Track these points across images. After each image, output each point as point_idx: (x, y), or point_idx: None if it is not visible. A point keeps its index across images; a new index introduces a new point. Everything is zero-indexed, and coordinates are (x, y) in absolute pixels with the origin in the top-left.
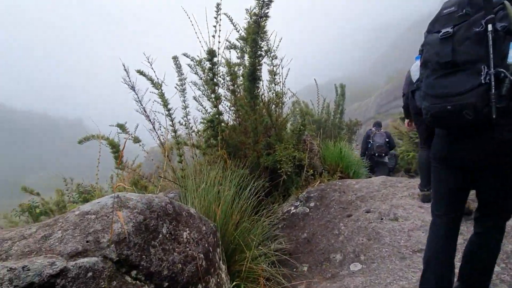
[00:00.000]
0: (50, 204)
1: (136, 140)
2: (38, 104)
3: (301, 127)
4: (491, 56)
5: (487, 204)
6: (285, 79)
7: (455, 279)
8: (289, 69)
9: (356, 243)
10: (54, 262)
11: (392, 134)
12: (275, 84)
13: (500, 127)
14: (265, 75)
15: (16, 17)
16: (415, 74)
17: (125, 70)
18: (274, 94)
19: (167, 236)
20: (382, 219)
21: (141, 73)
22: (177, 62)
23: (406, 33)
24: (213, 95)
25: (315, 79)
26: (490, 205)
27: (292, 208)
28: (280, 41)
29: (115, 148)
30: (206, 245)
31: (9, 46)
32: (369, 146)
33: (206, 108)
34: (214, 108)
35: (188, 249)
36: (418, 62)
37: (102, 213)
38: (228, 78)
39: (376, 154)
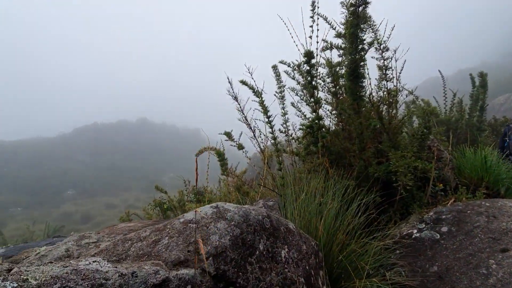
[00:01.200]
0: (174, 202)
1: (240, 147)
2: (169, 118)
3: (424, 130)
4: None
5: None
6: (399, 73)
7: None
8: (405, 61)
9: None
10: (158, 271)
11: None
12: (386, 81)
13: None
14: (374, 71)
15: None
16: None
17: (229, 82)
18: (385, 93)
19: (264, 253)
20: None
21: (243, 83)
22: (276, 70)
23: None
24: (312, 99)
25: (439, 70)
26: None
27: (415, 231)
28: (392, 30)
29: (221, 157)
30: (307, 267)
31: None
32: (505, 145)
33: (305, 114)
34: (314, 113)
35: (286, 270)
36: None
37: (203, 222)
38: (328, 80)
39: None
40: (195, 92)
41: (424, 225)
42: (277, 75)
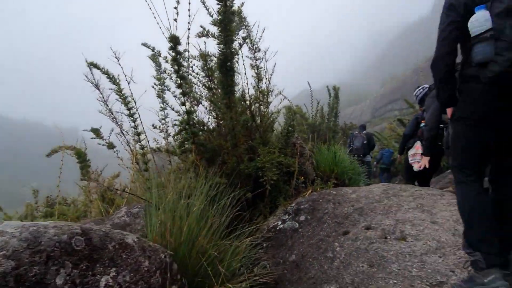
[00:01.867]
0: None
1: (110, 146)
2: (33, 113)
3: (289, 128)
4: None
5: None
6: (271, 75)
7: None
8: (275, 63)
9: (355, 271)
10: None
11: (389, 136)
12: (259, 80)
13: None
14: (249, 72)
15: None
16: (477, 25)
17: (89, 66)
18: (258, 91)
19: None
20: (386, 238)
21: (94, 65)
22: (156, 57)
23: (399, 39)
24: (179, 91)
25: (308, 82)
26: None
27: (279, 223)
28: (263, 32)
29: (81, 158)
30: None
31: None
32: (351, 147)
33: (173, 108)
34: (183, 107)
35: None
36: (481, 13)
37: None
38: (203, 73)
39: (355, 155)
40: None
41: (287, 216)
42: (156, 62)
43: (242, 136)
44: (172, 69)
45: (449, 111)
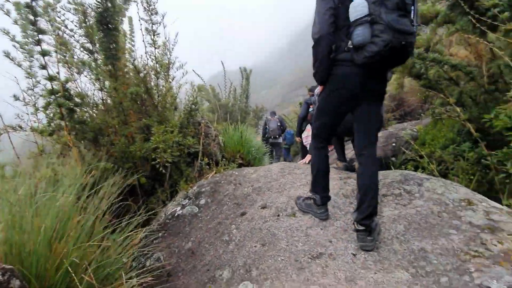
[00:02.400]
0: None
1: None
2: None
3: (193, 105)
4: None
5: (368, 134)
6: (173, 45)
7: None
8: (177, 33)
9: (248, 252)
10: None
11: (292, 118)
12: (154, 48)
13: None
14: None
15: None
16: (358, 10)
17: None
18: (155, 62)
19: None
20: (279, 215)
21: None
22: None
23: (304, 32)
24: (37, 49)
25: (222, 62)
26: (371, 134)
27: (178, 208)
28: None
29: None
30: None
31: None
32: (266, 131)
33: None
34: (44, 70)
35: None
36: (359, 0)
37: None
38: (81, 31)
39: (272, 137)
40: None
41: (187, 201)
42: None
43: (133, 112)
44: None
45: (320, 87)
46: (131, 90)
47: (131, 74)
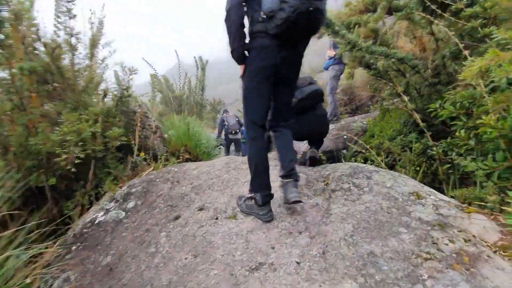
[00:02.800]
0: None
1: None
2: None
3: (125, 91)
4: None
5: (284, 109)
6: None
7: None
8: (104, 4)
9: (176, 266)
10: None
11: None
12: (69, 18)
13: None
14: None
15: None
16: None
17: None
18: (69, 34)
19: None
20: (217, 218)
21: None
22: None
23: None
24: None
25: (176, 51)
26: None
27: (101, 214)
28: None
29: None
30: None
31: None
32: (225, 127)
33: None
34: None
35: None
36: None
37: None
38: None
39: (232, 132)
40: None
41: (113, 204)
42: None
43: (36, 95)
44: None
45: (241, 68)
46: (25, 66)
47: (40, 48)
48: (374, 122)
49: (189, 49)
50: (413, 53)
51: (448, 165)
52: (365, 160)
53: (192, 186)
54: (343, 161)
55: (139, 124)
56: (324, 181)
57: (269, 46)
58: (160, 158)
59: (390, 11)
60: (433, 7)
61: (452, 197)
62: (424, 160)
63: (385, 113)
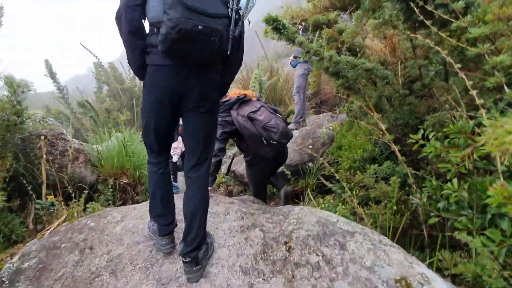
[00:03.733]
0: None
1: None
2: None
3: (14, 115)
4: None
5: (197, 150)
6: None
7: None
8: None
9: None
10: None
11: None
12: None
13: (216, 67)
14: None
15: None
16: None
17: None
18: None
19: None
20: None
21: None
22: None
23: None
24: None
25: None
26: (201, 150)
27: None
28: None
29: None
30: None
31: None
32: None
33: None
34: None
35: None
36: None
37: None
38: None
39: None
40: None
41: None
42: None
43: None
44: None
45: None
46: None
47: None
48: (342, 131)
49: None
50: (383, 54)
51: (435, 219)
52: (332, 178)
53: (108, 258)
54: (308, 175)
55: (45, 155)
56: (286, 243)
57: (160, 67)
58: (78, 200)
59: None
60: (420, 17)
61: (439, 260)
62: (403, 194)
63: (353, 122)
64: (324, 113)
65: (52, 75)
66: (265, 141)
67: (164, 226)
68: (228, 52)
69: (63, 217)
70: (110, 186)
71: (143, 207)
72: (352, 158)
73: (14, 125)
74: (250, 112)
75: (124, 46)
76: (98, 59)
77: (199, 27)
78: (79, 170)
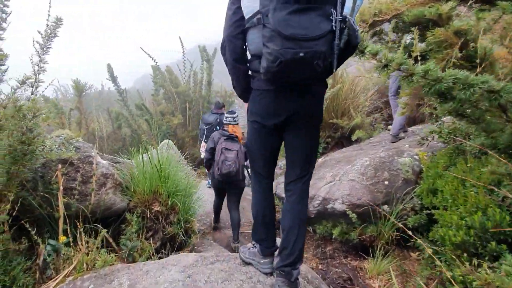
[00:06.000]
0: None
1: None
2: None
3: (25, 144)
4: None
5: (298, 165)
6: None
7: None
8: None
9: None
10: None
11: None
12: None
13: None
14: None
15: None
16: (247, 6)
17: None
18: None
19: None
20: None
21: None
22: None
23: None
24: None
25: (180, 37)
26: (301, 165)
27: None
28: None
29: None
30: None
31: None
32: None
33: None
34: None
35: None
36: None
37: None
38: None
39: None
40: None
41: None
42: None
43: None
44: None
45: (245, 106)
46: None
47: None
48: (436, 167)
49: (201, 34)
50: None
51: None
52: (422, 229)
53: None
54: (383, 223)
55: (61, 187)
56: None
57: (266, 91)
58: (95, 237)
59: None
60: None
61: None
62: None
63: (457, 155)
64: (403, 131)
65: (113, 79)
66: None
67: (267, 248)
68: (334, 70)
69: (71, 267)
70: (138, 215)
71: (157, 271)
72: (464, 225)
73: (23, 156)
74: None
75: (230, 73)
76: (156, 62)
77: (301, 54)
78: (106, 197)
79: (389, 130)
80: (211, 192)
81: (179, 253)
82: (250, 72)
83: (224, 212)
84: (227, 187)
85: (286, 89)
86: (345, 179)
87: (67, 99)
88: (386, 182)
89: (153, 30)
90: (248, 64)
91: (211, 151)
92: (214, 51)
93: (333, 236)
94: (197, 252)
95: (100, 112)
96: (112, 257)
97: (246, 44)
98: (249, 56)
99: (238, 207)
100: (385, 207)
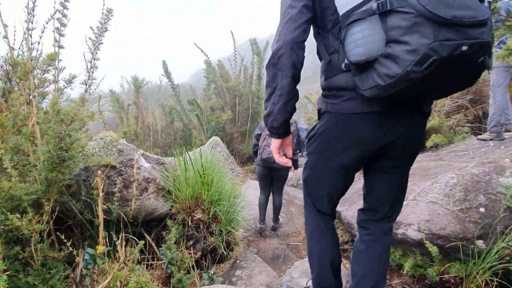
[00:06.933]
0: None
1: None
2: None
3: (63, 151)
4: None
5: (387, 205)
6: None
7: None
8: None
9: None
10: None
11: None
12: None
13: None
14: None
15: None
16: None
17: None
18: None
19: None
20: None
21: None
22: None
23: None
24: None
25: (231, 32)
26: (391, 205)
27: None
28: None
29: None
30: None
31: None
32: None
33: None
34: None
35: None
36: None
37: None
38: None
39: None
40: None
41: None
42: None
43: None
44: None
45: (277, 145)
46: None
47: None
48: None
49: (257, 25)
50: None
51: None
52: None
53: None
54: (475, 260)
55: (101, 192)
56: None
57: (357, 118)
58: (128, 260)
59: None
60: None
61: None
62: None
63: None
64: (500, 139)
65: (167, 74)
66: None
67: None
68: (489, 71)
69: (106, 282)
70: (179, 222)
71: None
72: None
73: (61, 162)
74: None
75: (274, 94)
76: (208, 57)
77: (463, 47)
78: (148, 202)
79: (475, 135)
80: (257, 193)
81: (220, 266)
82: (325, 92)
83: (269, 216)
84: (270, 175)
85: (392, 112)
86: (423, 200)
87: (127, 94)
88: (482, 210)
89: (168, 29)
90: (326, 79)
91: (257, 137)
92: (266, 44)
93: (404, 270)
94: (239, 268)
95: (156, 107)
96: (146, 276)
97: (341, 49)
98: (342, 67)
99: (281, 194)
100: (480, 242)
